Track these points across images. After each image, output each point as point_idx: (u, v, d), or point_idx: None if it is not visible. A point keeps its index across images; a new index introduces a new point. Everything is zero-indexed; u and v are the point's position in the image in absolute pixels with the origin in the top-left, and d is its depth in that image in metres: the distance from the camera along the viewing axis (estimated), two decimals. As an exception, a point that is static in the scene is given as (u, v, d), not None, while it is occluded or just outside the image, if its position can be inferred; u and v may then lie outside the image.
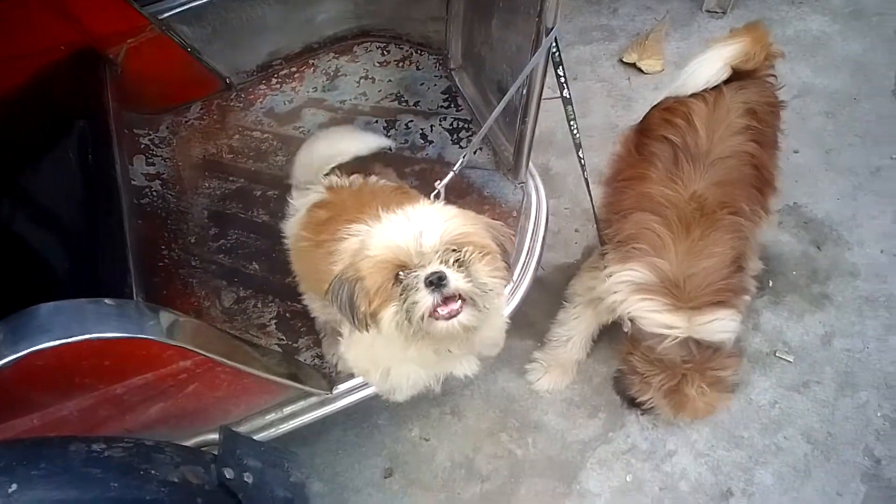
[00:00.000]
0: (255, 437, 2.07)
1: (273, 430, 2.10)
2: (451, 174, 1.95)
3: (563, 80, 2.01)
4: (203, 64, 2.76)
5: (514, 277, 2.25)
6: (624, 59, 3.32)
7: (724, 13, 3.45)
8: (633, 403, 2.04)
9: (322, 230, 1.83)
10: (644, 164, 2.04)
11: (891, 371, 2.34)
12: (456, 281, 1.45)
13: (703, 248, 1.86)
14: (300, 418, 2.11)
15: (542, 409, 2.39)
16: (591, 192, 2.16)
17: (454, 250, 1.48)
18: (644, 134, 2.13)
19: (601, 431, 2.33)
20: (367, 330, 1.57)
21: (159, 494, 1.41)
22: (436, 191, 1.91)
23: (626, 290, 1.92)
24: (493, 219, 2.33)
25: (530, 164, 2.38)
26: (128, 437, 1.50)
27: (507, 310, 2.23)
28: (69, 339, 1.41)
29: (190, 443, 1.86)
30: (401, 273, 1.47)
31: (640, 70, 3.25)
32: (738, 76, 2.05)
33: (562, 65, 1.97)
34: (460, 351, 1.77)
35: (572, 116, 2.07)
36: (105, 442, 1.44)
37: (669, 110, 2.08)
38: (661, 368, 1.90)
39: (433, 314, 1.46)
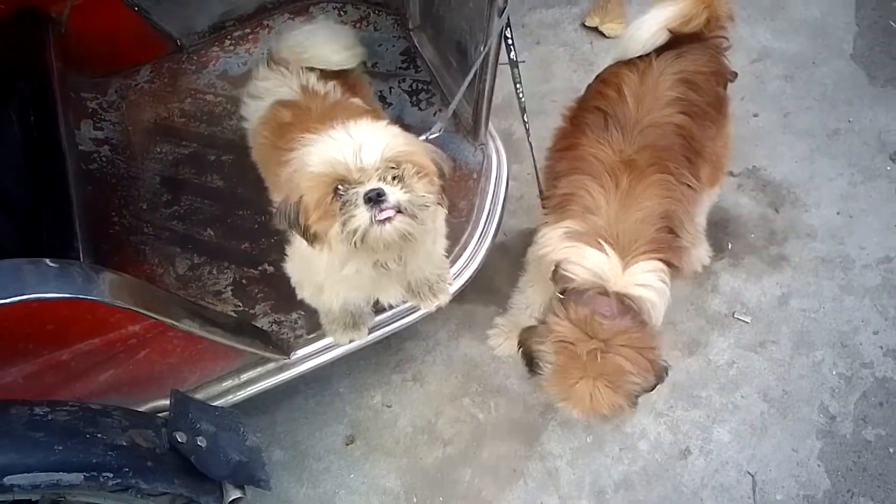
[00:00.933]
0: (215, 404, 2.04)
1: (230, 396, 2.05)
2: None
3: (510, 42, 1.98)
4: (152, 24, 2.65)
5: (475, 241, 2.23)
6: (586, 23, 3.28)
7: (685, -23, 3.43)
8: (530, 362, 1.88)
9: (282, 134, 1.81)
10: (577, 133, 2.02)
11: (845, 330, 2.38)
12: (393, 195, 1.46)
13: (633, 202, 1.83)
14: (258, 384, 2.06)
15: (504, 374, 2.39)
16: (535, 157, 2.14)
17: (392, 167, 1.48)
18: (581, 106, 2.12)
19: (563, 394, 2.33)
20: (315, 246, 1.57)
21: (106, 458, 1.37)
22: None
23: (558, 240, 1.88)
24: (452, 181, 2.35)
25: (490, 126, 2.35)
26: (73, 401, 1.45)
27: (468, 273, 2.22)
28: (6, 300, 1.34)
29: (143, 409, 1.82)
30: (339, 188, 1.47)
31: (602, 34, 3.22)
32: (680, 40, 2.00)
33: (509, 27, 1.94)
34: (396, 268, 1.74)
35: (518, 80, 2.06)
36: (48, 405, 1.40)
37: (604, 81, 2.07)
38: (578, 334, 1.73)
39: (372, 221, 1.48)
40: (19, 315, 1.40)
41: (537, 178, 2.16)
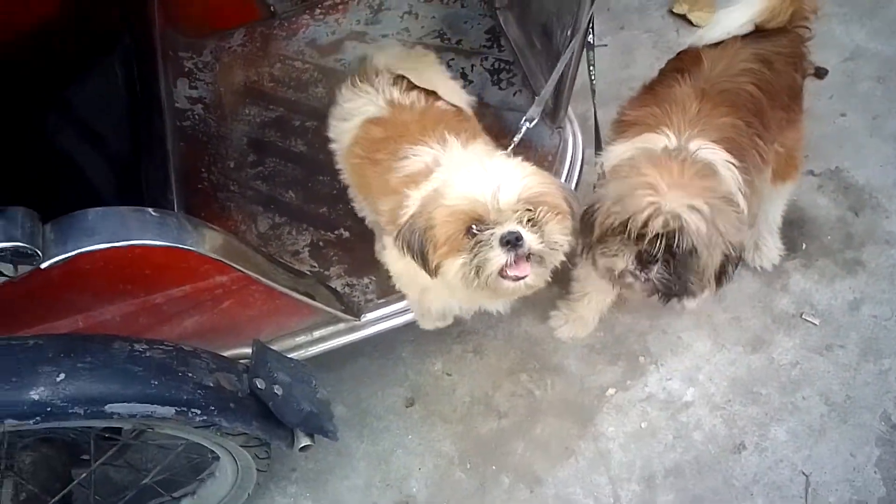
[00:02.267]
0: (286, 357, 2.16)
1: (302, 351, 2.17)
2: (515, 140, 1.92)
3: (591, 24, 1.99)
4: (249, -10, 2.76)
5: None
6: (674, 10, 3.23)
7: (782, -33, 3.33)
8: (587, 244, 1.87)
9: (378, 149, 1.84)
10: (648, 92, 2.08)
11: (917, 341, 2.33)
12: (530, 241, 1.48)
13: (700, 125, 1.85)
14: (329, 342, 2.17)
15: (563, 354, 2.43)
16: (601, 136, 2.19)
17: (529, 210, 1.50)
18: (655, 80, 2.14)
19: (620, 378, 2.37)
20: (434, 276, 1.60)
21: (195, 395, 1.49)
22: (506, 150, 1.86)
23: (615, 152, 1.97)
24: (528, 162, 2.38)
25: (569, 110, 2.37)
26: (167, 341, 1.57)
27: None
28: (114, 244, 1.47)
29: (226, 353, 1.94)
30: (474, 227, 1.50)
31: (689, 22, 3.17)
32: (763, 31, 2.01)
33: (592, 9, 1.95)
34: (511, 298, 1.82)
35: (592, 62, 2.10)
36: (147, 343, 1.51)
37: (679, 56, 2.12)
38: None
39: (503, 273, 1.51)
40: (122, 259, 1.52)
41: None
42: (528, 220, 1.49)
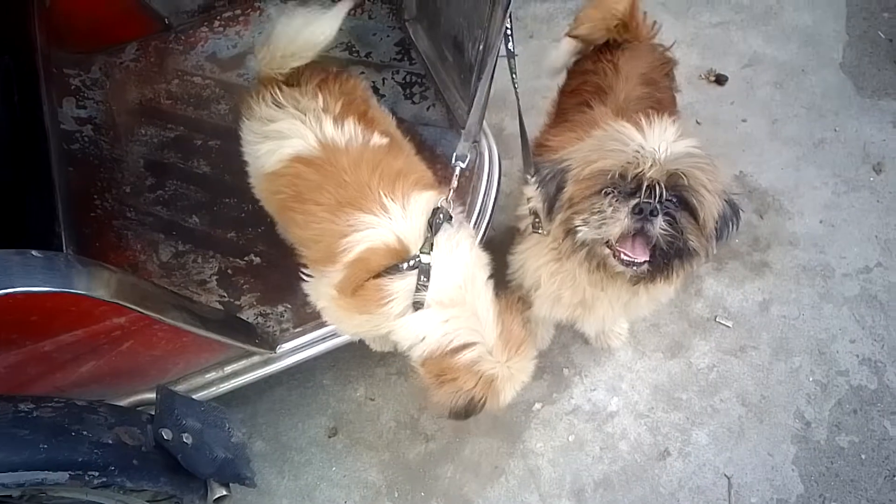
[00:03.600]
0: (194, 397, 2.02)
1: (214, 389, 2.04)
2: (453, 185, 1.78)
3: (509, 33, 1.96)
4: (139, 2, 2.59)
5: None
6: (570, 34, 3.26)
7: (680, -22, 3.43)
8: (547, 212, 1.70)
9: (311, 196, 1.69)
10: (565, 121, 2.05)
11: (823, 338, 2.42)
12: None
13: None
14: (242, 377, 2.05)
15: (489, 370, 2.39)
16: (528, 146, 2.13)
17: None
18: (562, 107, 2.17)
19: (546, 392, 2.35)
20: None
21: (92, 456, 1.36)
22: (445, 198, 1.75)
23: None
24: (444, 178, 2.33)
25: (484, 123, 2.33)
26: (58, 396, 1.43)
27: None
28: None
29: (126, 402, 1.79)
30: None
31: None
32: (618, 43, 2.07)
33: (509, 17, 1.93)
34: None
35: (514, 70, 2.00)
36: (33, 402, 1.37)
37: (576, 83, 2.16)
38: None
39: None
40: (6, 307, 1.37)
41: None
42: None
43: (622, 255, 1.51)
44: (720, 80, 3.05)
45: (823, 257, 2.59)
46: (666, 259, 1.53)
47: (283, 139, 1.78)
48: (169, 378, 2.01)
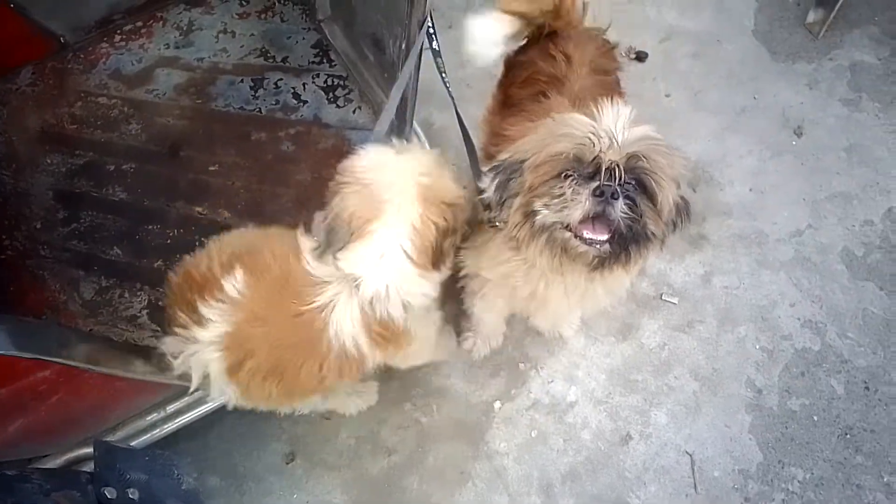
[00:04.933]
0: (138, 441, 1.89)
1: (157, 430, 1.92)
2: None
3: (431, 31, 1.91)
4: (30, 20, 2.39)
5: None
6: (503, 7, 3.22)
7: (591, -44, 3.43)
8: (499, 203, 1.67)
9: None
10: (519, 109, 1.98)
11: (764, 304, 2.48)
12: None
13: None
14: (186, 415, 1.94)
15: (445, 374, 2.34)
16: (473, 143, 2.08)
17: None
18: (511, 96, 2.08)
19: (504, 390, 2.32)
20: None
21: (30, 533, 1.23)
22: None
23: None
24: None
25: (413, 121, 2.27)
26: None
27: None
28: None
29: (62, 460, 1.66)
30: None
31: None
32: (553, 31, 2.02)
33: (430, 16, 1.87)
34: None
35: (443, 69, 1.98)
36: (-48, 482, 1.23)
37: (523, 69, 2.06)
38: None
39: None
40: None
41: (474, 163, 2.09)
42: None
43: (584, 234, 1.48)
44: (640, 56, 3.06)
45: (756, 224, 2.64)
46: (624, 243, 1.51)
47: None
48: (108, 425, 1.88)
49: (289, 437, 2.23)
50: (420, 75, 2.12)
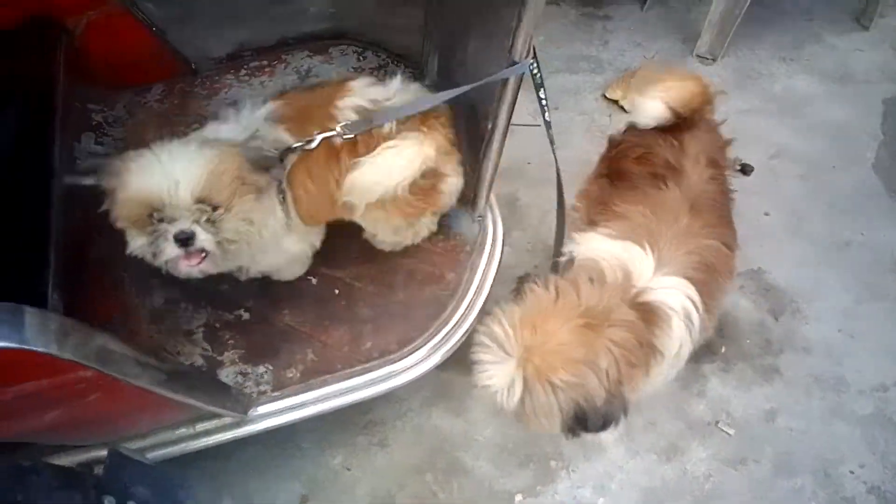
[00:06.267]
0: (163, 451, 1.96)
1: (184, 445, 1.99)
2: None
3: (544, 103, 1.97)
4: (168, 46, 2.63)
5: (458, 315, 2.16)
6: (607, 95, 3.24)
7: (713, 60, 3.39)
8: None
9: None
10: (637, 189, 2.01)
11: (830, 458, 2.27)
12: (203, 241, 1.61)
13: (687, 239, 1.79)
14: (213, 437, 2.00)
15: (474, 453, 2.30)
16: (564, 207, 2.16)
17: (206, 208, 1.60)
18: (626, 171, 2.11)
19: (530, 483, 2.24)
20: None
21: (25, 524, 1.30)
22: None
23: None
24: (444, 251, 2.28)
25: (492, 197, 2.29)
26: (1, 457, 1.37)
27: (448, 345, 2.14)
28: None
29: (84, 458, 1.75)
30: (155, 214, 1.60)
31: (622, 108, 3.17)
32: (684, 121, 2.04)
33: (543, 87, 1.93)
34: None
35: (552, 139, 2.07)
36: (-28, 460, 1.32)
37: (639, 148, 2.10)
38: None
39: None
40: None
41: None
42: (207, 219, 1.61)
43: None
44: (745, 169, 2.97)
45: (838, 369, 2.45)
46: None
47: None
48: (138, 430, 1.97)
49: (308, 478, 2.25)
50: (510, 154, 2.16)
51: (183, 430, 1.98)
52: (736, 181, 2.90)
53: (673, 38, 3.52)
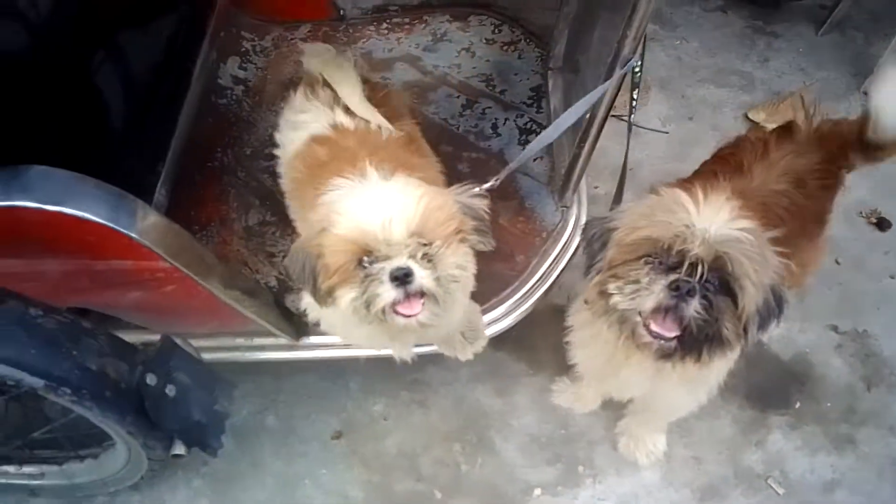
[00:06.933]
0: (220, 355, 2.14)
1: (239, 354, 2.16)
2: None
3: (634, 104, 1.92)
4: (323, -13, 2.79)
5: (519, 295, 2.16)
6: (749, 115, 3.04)
7: (882, 101, 3.07)
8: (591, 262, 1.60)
9: (317, 173, 1.75)
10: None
11: (884, 548, 2.07)
12: (422, 279, 1.41)
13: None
14: (266, 353, 2.15)
15: (505, 436, 2.30)
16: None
17: (423, 244, 1.43)
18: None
19: (552, 481, 2.22)
20: (325, 305, 1.55)
21: (71, 374, 1.48)
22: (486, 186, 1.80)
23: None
24: (521, 234, 2.28)
25: (581, 187, 2.26)
26: (66, 314, 1.56)
27: (504, 324, 2.16)
28: (41, 206, 1.47)
29: (143, 339, 1.95)
30: (365, 259, 1.43)
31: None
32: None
33: (638, 88, 1.88)
34: (415, 339, 1.78)
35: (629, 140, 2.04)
36: (43, 310, 1.51)
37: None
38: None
39: (395, 310, 1.44)
40: (60, 222, 1.53)
41: None
42: (424, 255, 1.42)
43: (651, 327, 1.43)
44: (882, 224, 2.69)
45: (924, 459, 2.20)
46: (694, 343, 1.43)
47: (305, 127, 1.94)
48: (205, 329, 2.15)
49: (347, 417, 2.36)
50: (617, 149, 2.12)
51: (240, 341, 2.14)
52: (868, 234, 2.69)
53: (843, 69, 3.23)
